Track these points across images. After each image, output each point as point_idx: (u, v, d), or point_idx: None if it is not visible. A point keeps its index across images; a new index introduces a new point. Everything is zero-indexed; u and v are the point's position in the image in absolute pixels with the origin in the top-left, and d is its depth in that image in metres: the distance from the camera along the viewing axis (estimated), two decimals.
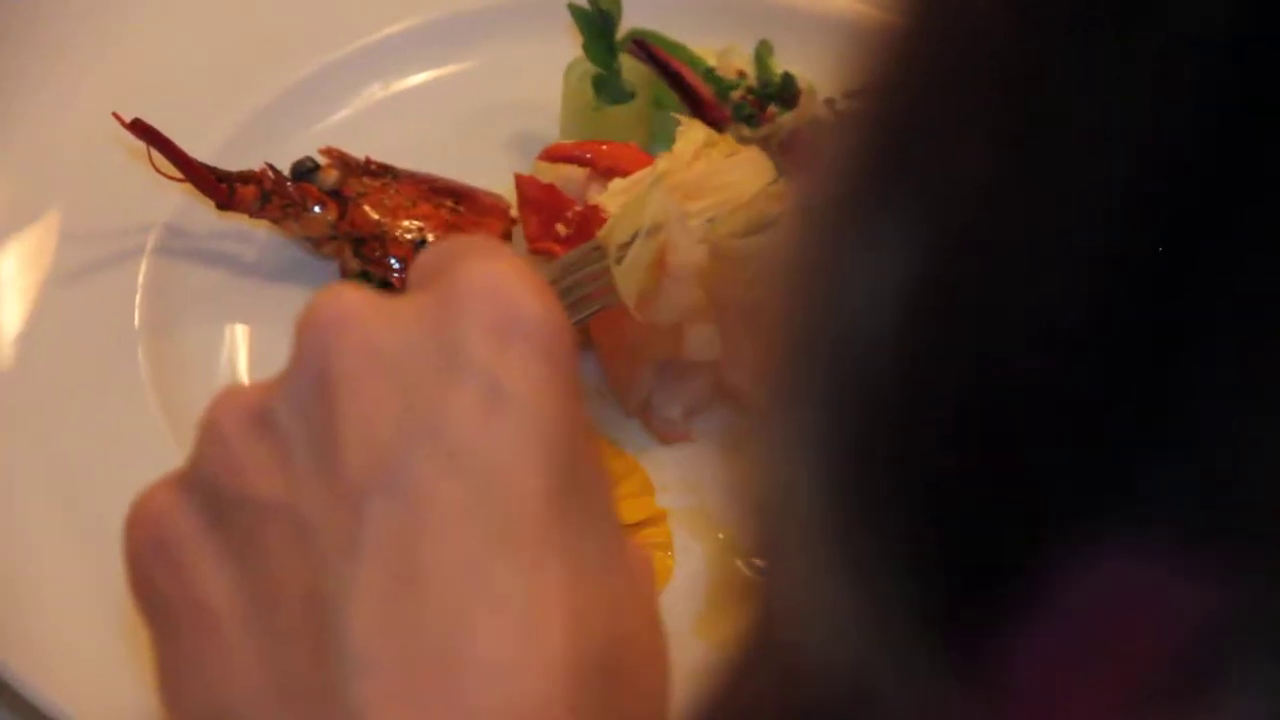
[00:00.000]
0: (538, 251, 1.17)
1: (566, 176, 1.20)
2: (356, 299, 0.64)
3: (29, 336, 1.17)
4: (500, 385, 0.62)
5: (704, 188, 1.16)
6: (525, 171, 1.25)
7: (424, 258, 0.68)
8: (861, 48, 0.43)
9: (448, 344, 0.62)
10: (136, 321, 1.19)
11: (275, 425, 0.63)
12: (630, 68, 1.29)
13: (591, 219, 1.16)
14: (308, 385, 0.63)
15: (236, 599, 0.63)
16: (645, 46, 1.29)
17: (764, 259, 0.49)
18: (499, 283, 0.63)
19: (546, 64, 1.34)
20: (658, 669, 0.64)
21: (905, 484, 0.42)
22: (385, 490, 0.61)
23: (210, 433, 0.64)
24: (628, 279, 1.08)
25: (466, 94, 1.36)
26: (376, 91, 1.35)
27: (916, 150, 0.42)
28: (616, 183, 1.15)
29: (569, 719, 0.60)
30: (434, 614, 0.59)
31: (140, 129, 1.18)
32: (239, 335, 1.21)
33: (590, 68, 1.29)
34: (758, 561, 0.46)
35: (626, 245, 1.09)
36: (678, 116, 1.25)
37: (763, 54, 1.35)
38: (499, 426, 0.61)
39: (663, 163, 1.18)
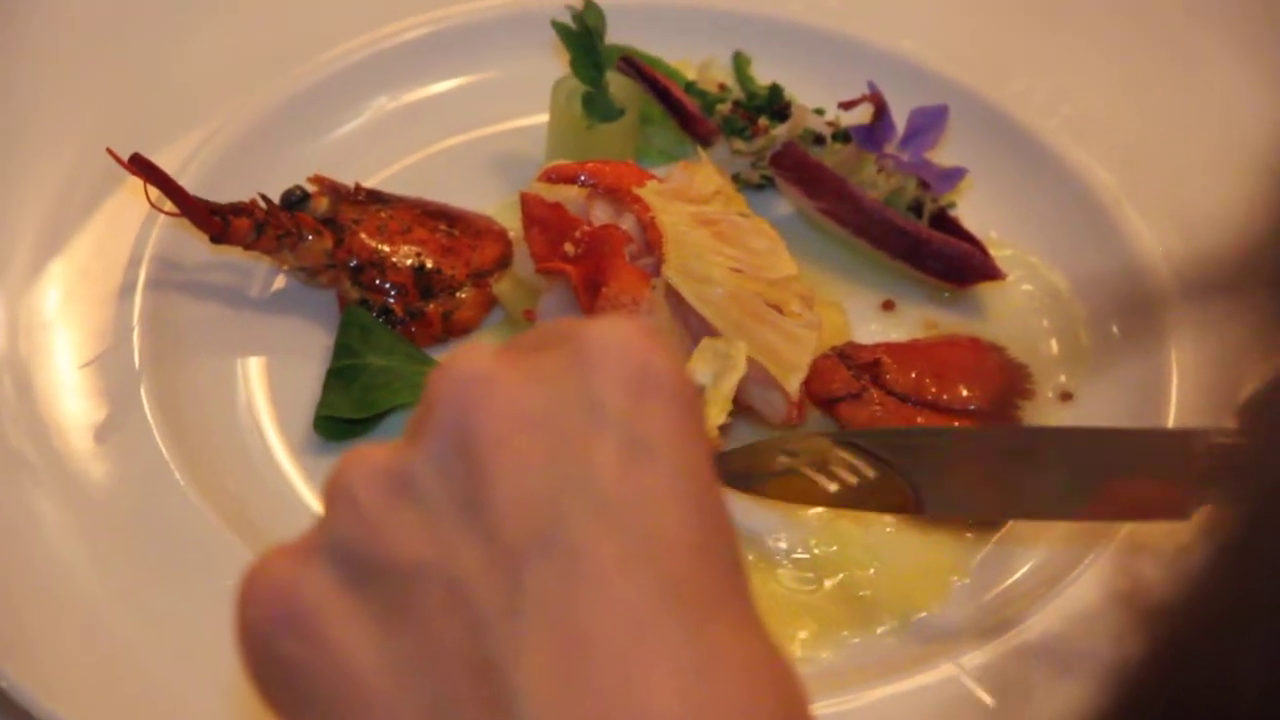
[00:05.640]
0: (546, 271, 1.17)
1: (564, 196, 1.19)
2: (490, 358, 0.63)
3: (26, 380, 1.14)
4: (642, 437, 0.62)
5: (732, 238, 1.16)
6: (513, 193, 1.24)
7: (543, 325, 0.68)
8: None
9: (587, 400, 0.62)
10: (136, 360, 1.17)
11: (416, 488, 0.62)
12: (617, 84, 1.29)
13: (603, 239, 1.15)
14: (450, 446, 0.62)
15: (390, 666, 0.61)
16: (634, 63, 1.29)
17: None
18: (628, 339, 0.63)
19: (526, 84, 1.33)
20: None
21: None
22: (543, 549, 0.60)
23: (342, 497, 0.63)
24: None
25: (446, 117, 1.35)
26: (349, 120, 1.34)
27: None
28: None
29: None
30: (606, 673, 0.58)
31: (139, 165, 1.15)
32: (252, 369, 1.19)
33: (578, 85, 1.28)
34: None
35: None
36: (700, 151, 1.25)
37: (741, 65, 1.36)
38: (646, 478, 0.61)
39: (675, 180, 1.18)
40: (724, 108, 1.30)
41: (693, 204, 1.18)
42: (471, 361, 0.63)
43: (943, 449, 1.07)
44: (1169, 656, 0.53)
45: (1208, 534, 0.52)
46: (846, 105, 1.27)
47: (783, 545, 1.12)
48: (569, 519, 0.60)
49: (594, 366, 0.63)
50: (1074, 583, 1.07)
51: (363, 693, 0.61)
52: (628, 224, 1.16)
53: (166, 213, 1.19)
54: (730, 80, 1.35)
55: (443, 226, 1.25)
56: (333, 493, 0.63)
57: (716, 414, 1.08)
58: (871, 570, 1.11)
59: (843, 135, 1.28)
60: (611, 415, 0.62)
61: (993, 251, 1.25)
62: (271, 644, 0.63)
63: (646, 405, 0.62)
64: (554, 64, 1.34)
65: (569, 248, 1.16)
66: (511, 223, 1.24)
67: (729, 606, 0.61)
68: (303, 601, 0.62)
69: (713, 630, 0.60)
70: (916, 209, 1.26)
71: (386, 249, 1.22)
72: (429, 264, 1.23)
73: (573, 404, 0.62)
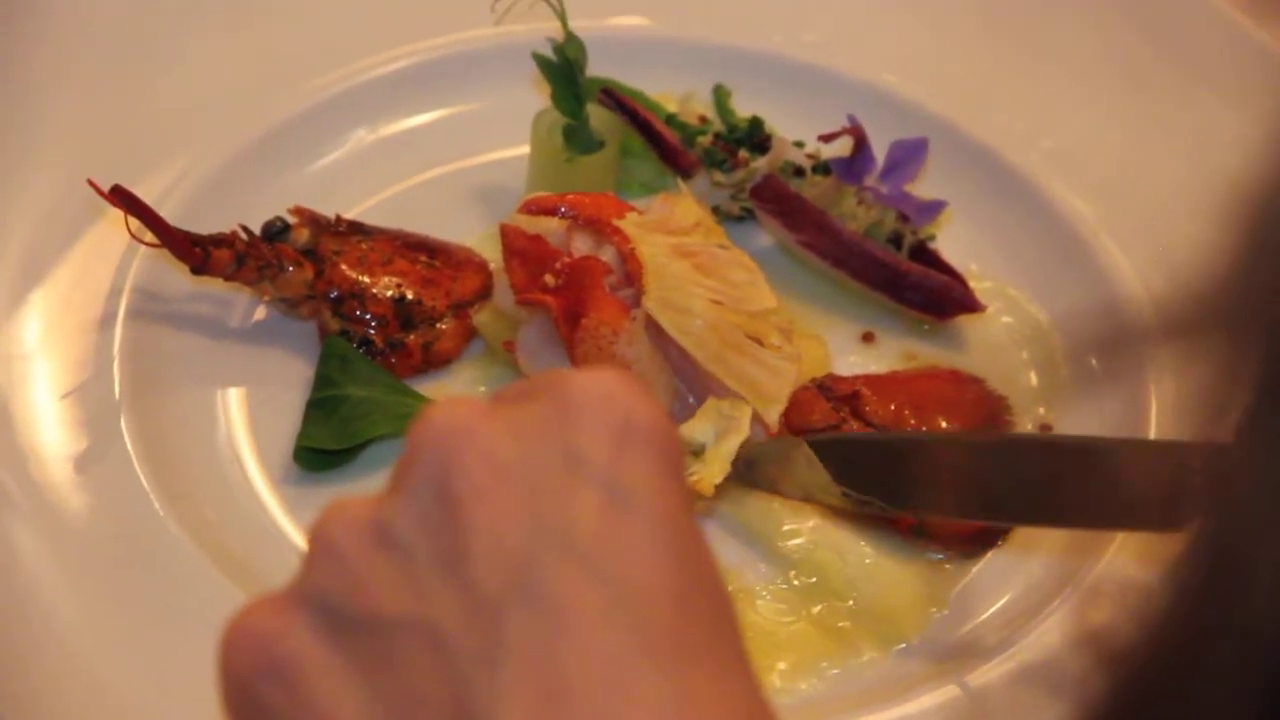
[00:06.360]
0: (526, 302, 1.17)
1: (544, 228, 1.20)
2: (471, 410, 0.64)
3: (6, 411, 1.14)
4: (622, 487, 0.62)
5: (712, 270, 1.16)
6: (494, 225, 1.24)
7: (527, 378, 0.68)
8: None
9: (567, 450, 0.63)
10: (116, 391, 1.16)
11: (396, 539, 0.62)
12: (598, 116, 1.29)
13: (583, 270, 1.15)
14: (430, 498, 0.62)
15: (370, 716, 0.61)
16: (614, 95, 1.29)
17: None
18: (610, 390, 0.64)
19: (507, 116, 1.34)
20: None
21: None
22: (522, 599, 0.60)
23: (323, 549, 0.64)
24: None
25: (427, 149, 1.35)
26: (330, 152, 1.34)
27: None
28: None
29: None
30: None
31: (120, 196, 1.15)
32: (232, 399, 1.19)
33: (559, 117, 1.28)
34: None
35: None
36: (680, 183, 1.26)
37: (721, 98, 1.36)
38: (625, 528, 0.62)
39: (655, 212, 1.19)
40: (704, 140, 1.30)
41: (673, 236, 1.18)
42: (453, 413, 0.64)
43: (938, 456, 1.08)
44: (1131, 696, 0.53)
45: (1168, 578, 0.52)
46: (826, 138, 1.28)
47: (763, 577, 1.12)
48: (548, 569, 0.61)
49: (575, 417, 0.63)
50: (1051, 615, 1.08)
51: None
52: (608, 255, 1.17)
53: (147, 244, 1.19)
54: (711, 113, 1.35)
55: (423, 258, 1.26)
56: (315, 544, 0.64)
57: (716, 473, 1.08)
58: (851, 602, 1.11)
59: (823, 168, 1.28)
60: (591, 465, 0.62)
61: (972, 284, 1.26)
62: (254, 693, 0.63)
63: (627, 455, 0.63)
64: (535, 96, 1.34)
65: (549, 279, 1.16)
66: (492, 254, 1.25)
67: (711, 653, 0.62)
68: (285, 652, 0.63)
69: (692, 678, 0.60)
70: (896, 241, 1.27)
71: (367, 280, 1.23)
72: (409, 295, 1.23)
73: (554, 454, 0.63)
